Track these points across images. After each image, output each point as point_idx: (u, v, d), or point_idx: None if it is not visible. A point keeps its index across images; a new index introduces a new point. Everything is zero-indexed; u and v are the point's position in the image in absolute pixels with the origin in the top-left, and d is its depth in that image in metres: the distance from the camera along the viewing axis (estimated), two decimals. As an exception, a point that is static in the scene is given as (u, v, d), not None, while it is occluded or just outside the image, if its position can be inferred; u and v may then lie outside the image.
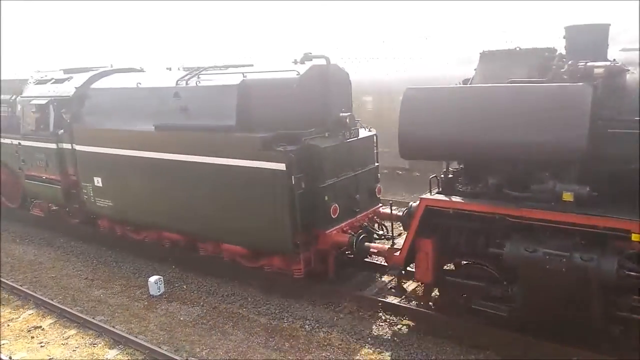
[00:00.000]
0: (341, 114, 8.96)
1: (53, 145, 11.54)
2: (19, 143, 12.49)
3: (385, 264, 8.55)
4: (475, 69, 7.44)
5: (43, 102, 11.63)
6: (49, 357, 7.51)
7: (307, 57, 8.94)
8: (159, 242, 10.62)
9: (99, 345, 7.74)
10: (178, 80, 9.56)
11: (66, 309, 8.74)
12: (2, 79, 14.39)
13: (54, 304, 8.96)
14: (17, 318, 8.73)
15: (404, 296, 8.21)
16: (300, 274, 8.46)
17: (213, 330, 7.96)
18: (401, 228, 8.67)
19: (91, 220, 11.94)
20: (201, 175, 8.96)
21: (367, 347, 7.25)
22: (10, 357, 7.50)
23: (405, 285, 8.26)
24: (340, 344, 7.36)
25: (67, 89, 11.56)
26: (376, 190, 9.66)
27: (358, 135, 9.21)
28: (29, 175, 12.49)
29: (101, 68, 12.25)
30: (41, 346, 7.83)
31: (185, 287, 9.52)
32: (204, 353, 7.35)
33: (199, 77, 9.54)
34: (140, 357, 7.33)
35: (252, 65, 10.44)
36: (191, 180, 9.16)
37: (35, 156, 12.01)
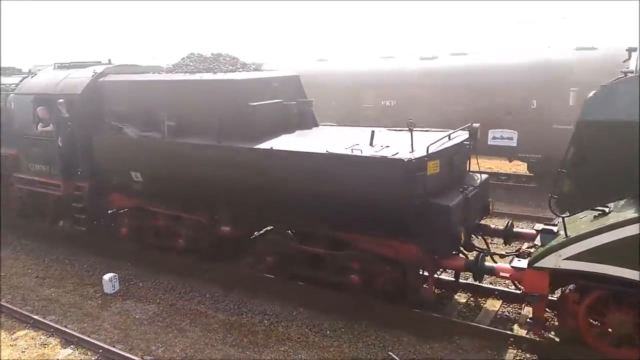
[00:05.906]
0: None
1: None
2: None
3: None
4: None
5: None
6: (-4, 360, 7.24)
7: None
8: None
9: (50, 345, 7.50)
10: None
11: (15, 308, 8.41)
12: None
13: (2, 303, 8.60)
14: (-39, 320, 8.36)
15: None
16: None
17: (169, 328, 7.82)
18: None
19: None
20: None
21: (325, 340, 7.29)
22: (-47, 361, 7.18)
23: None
24: (299, 338, 7.37)
25: None
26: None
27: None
28: None
29: None
30: (-12, 348, 7.53)
31: (141, 284, 9.32)
32: (160, 351, 7.22)
33: None
34: (94, 356, 7.14)
35: None
36: None
37: None
